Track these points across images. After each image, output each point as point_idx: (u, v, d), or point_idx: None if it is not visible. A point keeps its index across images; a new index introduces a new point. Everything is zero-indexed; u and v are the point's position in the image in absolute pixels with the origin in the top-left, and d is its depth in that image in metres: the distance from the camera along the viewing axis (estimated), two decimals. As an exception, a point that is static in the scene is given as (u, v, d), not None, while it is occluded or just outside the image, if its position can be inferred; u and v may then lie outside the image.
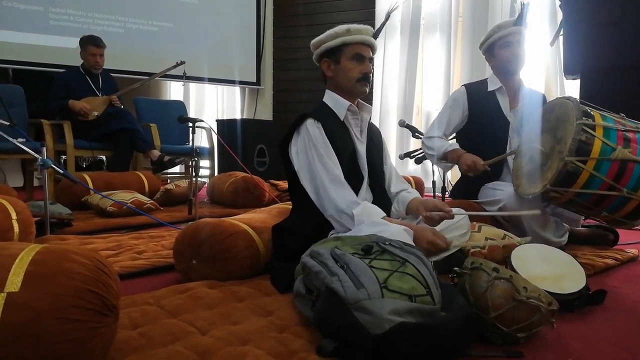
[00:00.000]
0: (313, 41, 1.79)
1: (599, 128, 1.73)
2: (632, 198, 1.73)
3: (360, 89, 1.74)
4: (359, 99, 1.82)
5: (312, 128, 1.66)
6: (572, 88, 4.29)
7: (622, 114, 1.85)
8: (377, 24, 5.37)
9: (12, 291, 0.85)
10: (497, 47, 2.35)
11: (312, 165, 1.63)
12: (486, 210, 2.23)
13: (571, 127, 1.73)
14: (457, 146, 2.37)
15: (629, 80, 2.68)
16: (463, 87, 2.49)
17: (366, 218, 1.53)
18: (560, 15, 3.31)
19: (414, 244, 1.35)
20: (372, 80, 1.79)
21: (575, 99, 1.82)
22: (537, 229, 2.07)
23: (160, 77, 4.77)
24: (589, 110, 1.78)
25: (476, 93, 2.42)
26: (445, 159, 2.40)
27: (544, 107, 2.06)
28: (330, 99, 1.79)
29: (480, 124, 2.38)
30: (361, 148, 1.78)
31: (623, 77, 2.70)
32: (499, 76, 2.40)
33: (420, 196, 1.85)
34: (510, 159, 2.29)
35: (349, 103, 1.75)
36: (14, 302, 0.83)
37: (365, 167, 1.77)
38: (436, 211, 1.66)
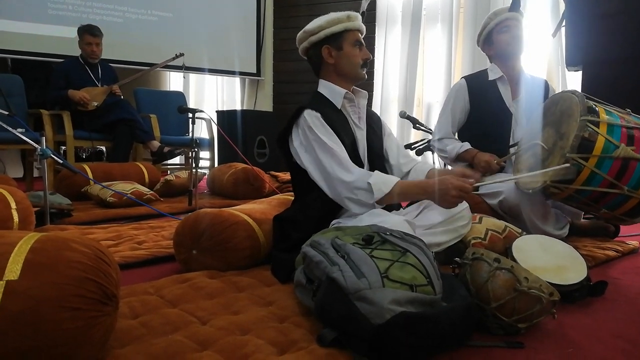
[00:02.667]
0: (307, 28, 1.75)
1: (603, 125, 1.71)
2: (633, 196, 1.72)
3: (362, 75, 1.76)
4: (354, 85, 1.81)
5: (310, 118, 1.64)
6: (574, 80, 4.27)
7: (629, 109, 1.83)
8: (378, 14, 5.39)
9: (11, 279, 0.84)
10: (496, 33, 2.34)
11: (318, 155, 1.61)
12: (488, 205, 2.23)
13: (575, 122, 1.71)
14: (469, 146, 2.34)
15: (631, 72, 2.66)
16: (462, 79, 2.47)
17: (383, 185, 1.50)
18: (562, 7, 3.29)
19: (414, 234, 1.34)
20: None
21: (581, 93, 1.80)
22: (538, 222, 2.06)
23: (159, 68, 4.74)
24: (594, 106, 1.75)
25: (476, 84, 2.40)
26: (460, 160, 2.39)
27: (548, 99, 2.05)
28: (326, 88, 1.77)
29: (483, 116, 2.36)
30: (360, 135, 1.77)
31: (625, 69, 2.69)
32: (499, 63, 2.38)
33: (435, 167, 1.84)
34: (511, 151, 2.27)
35: (345, 91, 1.74)
36: (13, 290, 0.83)
37: (365, 155, 1.77)
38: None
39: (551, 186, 1.78)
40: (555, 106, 1.93)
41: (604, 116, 1.74)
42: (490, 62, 2.46)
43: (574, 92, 1.84)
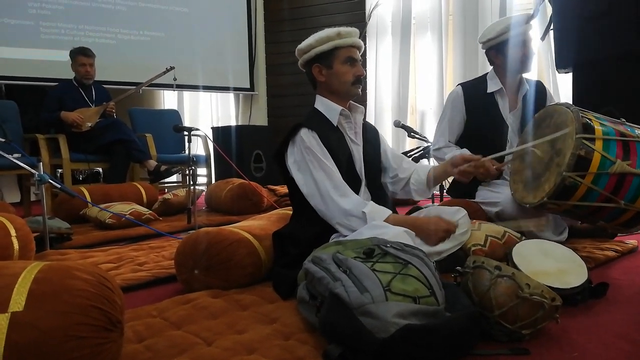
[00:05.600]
0: (300, 46, 1.77)
1: (599, 141, 1.70)
2: (629, 209, 1.73)
3: (355, 92, 1.75)
4: (351, 101, 1.82)
5: (307, 138, 1.65)
6: (565, 82, 4.31)
7: (623, 119, 1.84)
8: (368, 25, 5.43)
9: (16, 311, 0.84)
10: (511, 46, 2.26)
11: (313, 175, 1.62)
12: (484, 212, 2.24)
13: (571, 140, 1.70)
14: (467, 152, 2.35)
15: (621, 72, 2.69)
16: (459, 87, 2.43)
17: (377, 216, 1.55)
18: (549, 10, 3.33)
19: (415, 246, 1.35)
20: (366, 81, 1.81)
21: (575, 108, 1.79)
22: (536, 232, 2.06)
23: (153, 86, 4.75)
24: (589, 122, 1.74)
25: (473, 95, 2.37)
26: None
27: (542, 110, 2.02)
28: (322, 104, 1.78)
29: (479, 127, 2.35)
30: (357, 151, 1.78)
31: (614, 69, 2.71)
32: (502, 74, 2.34)
33: (431, 167, 1.88)
34: (507, 158, 2.28)
35: (340, 108, 1.74)
36: (18, 321, 0.83)
37: (362, 170, 1.77)
38: (466, 163, 1.69)
39: (549, 202, 1.79)
40: (550, 119, 1.91)
41: (599, 133, 1.72)
42: (491, 65, 2.40)
43: (568, 106, 1.82)
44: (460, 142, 2.44)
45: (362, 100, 5.24)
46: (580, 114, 1.76)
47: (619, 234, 2.30)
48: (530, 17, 2.30)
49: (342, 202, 1.59)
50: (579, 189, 1.71)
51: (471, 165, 1.71)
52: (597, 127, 1.75)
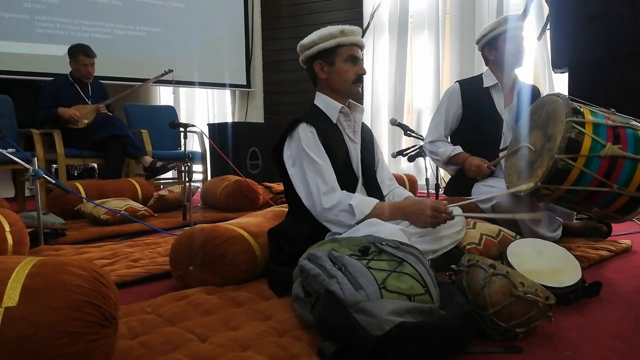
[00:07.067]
0: (302, 42, 1.77)
1: (589, 125, 1.74)
2: (623, 194, 1.74)
3: (355, 90, 1.75)
4: (350, 100, 1.82)
5: (304, 133, 1.65)
6: (561, 82, 4.33)
7: (613, 109, 1.86)
8: (365, 23, 5.43)
9: (10, 306, 0.84)
10: (502, 41, 2.31)
11: (306, 172, 1.62)
12: (481, 210, 2.25)
13: (561, 124, 1.73)
14: (460, 149, 2.36)
15: (616, 72, 2.70)
16: (457, 83, 2.47)
17: (365, 207, 1.55)
18: (546, 10, 3.34)
19: (410, 244, 1.35)
20: (363, 79, 1.80)
21: (565, 95, 1.83)
22: (531, 225, 2.08)
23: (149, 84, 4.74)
24: (578, 107, 1.78)
25: (470, 90, 2.41)
26: (451, 164, 2.41)
27: (534, 103, 2.07)
28: (322, 101, 1.78)
29: (474, 122, 2.38)
30: (355, 149, 1.78)
31: (610, 69, 2.72)
32: (496, 70, 2.38)
33: (413, 196, 1.86)
34: (500, 155, 2.30)
35: (340, 105, 1.74)
36: (12, 316, 0.83)
37: (359, 168, 1.78)
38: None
39: (542, 188, 1.80)
40: (541, 109, 1.95)
41: (589, 117, 1.76)
42: (486, 65, 2.44)
43: (558, 94, 1.86)
44: (457, 136, 2.46)
45: (359, 98, 5.23)
46: (570, 101, 1.78)
47: (615, 222, 2.30)
48: (521, 16, 2.33)
49: (330, 197, 1.59)
50: (571, 172, 1.73)
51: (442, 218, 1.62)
52: (587, 113, 1.78)
